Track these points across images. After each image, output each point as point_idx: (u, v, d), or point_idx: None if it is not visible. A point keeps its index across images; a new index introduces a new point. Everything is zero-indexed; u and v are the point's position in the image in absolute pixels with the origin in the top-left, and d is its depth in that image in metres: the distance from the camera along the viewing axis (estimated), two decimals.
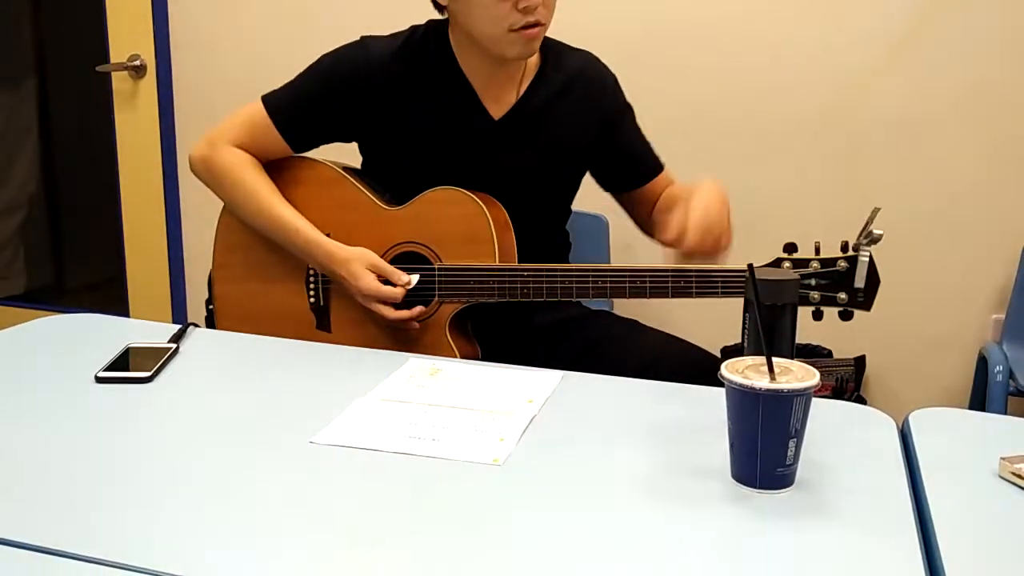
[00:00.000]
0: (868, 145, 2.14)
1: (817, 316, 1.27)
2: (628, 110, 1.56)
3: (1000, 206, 2.10)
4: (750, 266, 0.93)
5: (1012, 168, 2.08)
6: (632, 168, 1.56)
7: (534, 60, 1.48)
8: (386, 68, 1.42)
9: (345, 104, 1.44)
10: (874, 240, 1.19)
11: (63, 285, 3.20)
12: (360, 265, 1.37)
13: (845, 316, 1.26)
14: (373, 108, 1.43)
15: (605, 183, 1.59)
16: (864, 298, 1.23)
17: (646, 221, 1.57)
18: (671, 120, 2.21)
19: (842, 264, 1.22)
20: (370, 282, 1.36)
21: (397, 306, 1.37)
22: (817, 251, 1.23)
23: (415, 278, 1.38)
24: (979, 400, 2.03)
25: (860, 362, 2.17)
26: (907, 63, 2.09)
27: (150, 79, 2.60)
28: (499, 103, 1.46)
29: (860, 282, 1.22)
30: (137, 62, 2.59)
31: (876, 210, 1.17)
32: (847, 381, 2.13)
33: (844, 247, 1.24)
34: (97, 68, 2.60)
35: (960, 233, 2.13)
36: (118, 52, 2.61)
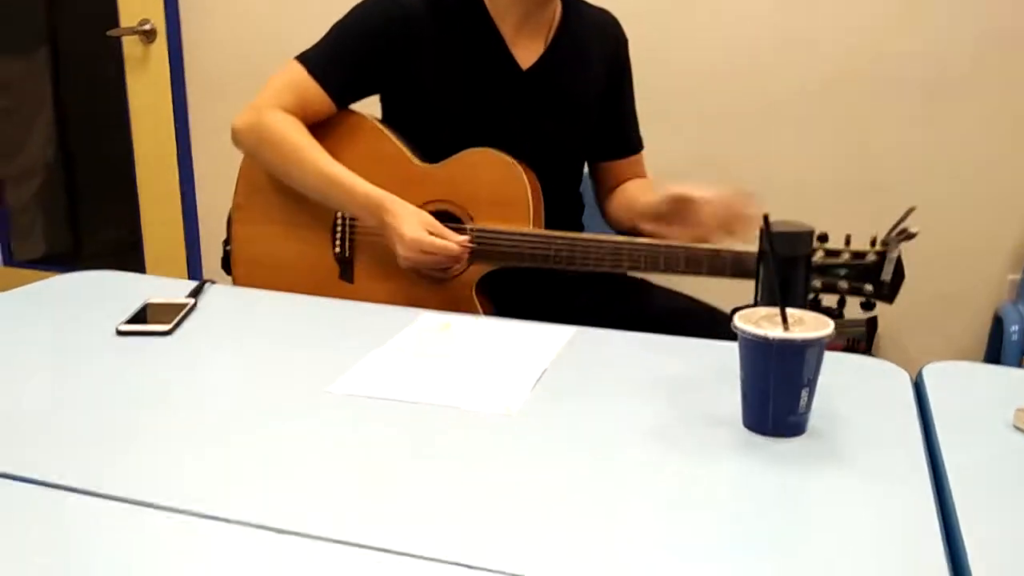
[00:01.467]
0: (880, 106, 2.12)
1: (841, 304, 1.27)
2: (630, 76, 1.55)
3: (1017, 166, 2.08)
4: (765, 217, 0.93)
5: None
6: (616, 137, 1.55)
7: (557, 13, 1.47)
8: (417, 16, 1.41)
9: (382, 54, 1.42)
10: (908, 237, 1.19)
11: (81, 249, 3.23)
12: (415, 222, 1.34)
13: (867, 307, 1.26)
14: (407, 57, 1.42)
15: (589, 147, 1.57)
16: (889, 292, 1.24)
17: (605, 200, 1.57)
18: (676, 84, 2.20)
19: (871, 258, 1.23)
20: (420, 237, 1.32)
21: None
22: (847, 242, 1.23)
23: (464, 242, 1.35)
24: (993, 360, 2.02)
25: (872, 323, 2.16)
26: (919, 23, 2.07)
27: (160, 43, 2.60)
28: (527, 53, 1.45)
29: (887, 276, 1.22)
30: (147, 26, 2.58)
31: (911, 209, 1.17)
32: (858, 341, 2.12)
33: (874, 241, 1.24)
34: (108, 33, 2.60)
35: (976, 193, 2.11)
36: (128, 17, 2.61)
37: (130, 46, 2.64)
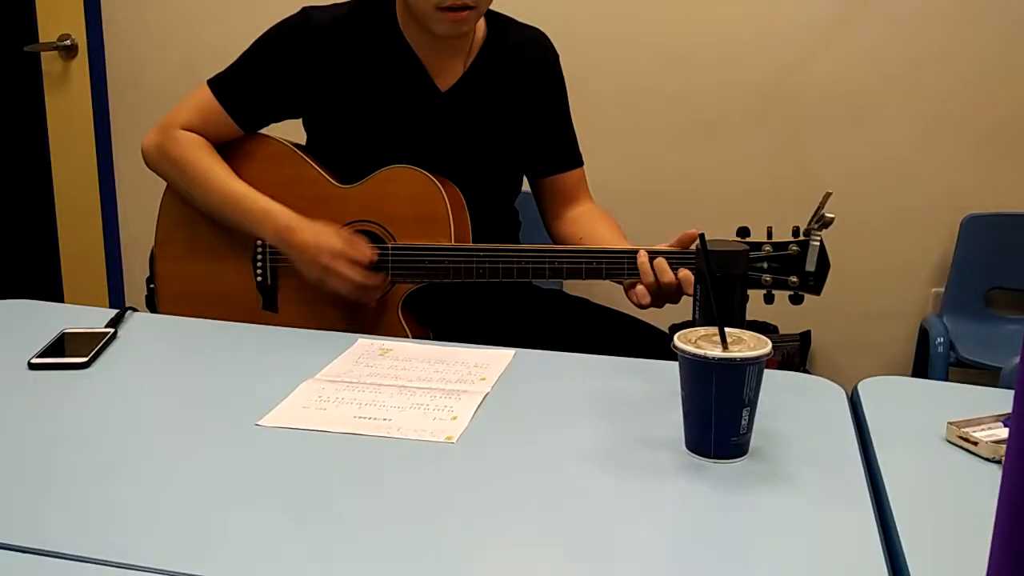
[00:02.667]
0: (808, 123, 2.17)
1: (768, 299, 1.27)
2: (563, 92, 1.55)
3: (938, 181, 2.14)
4: (701, 236, 0.93)
5: (949, 144, 2.13)
6: (554, 152, 1.54)
7: (481, 33, 1.46)
8: (330, 37, 1.39)
9: (290, 77, 1.40)
10: (825, 224, 1.20)
11: None
12: (328, 232, 1.33)
13: (795, 300, 1.27)
14: (318, 79, 1.40)
15: (525, 163, 1.57)
16: (814, 282, 1.24)
17: (551, 217, 1.56)
18: (612, 99, 2.21)
19: (793, 248, 1.23)
20: (337, 242, 1.32)
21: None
22: (769, 235, 1.24)
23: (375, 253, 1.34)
24: (921, 371, 2.07)
25: (805, 337, 2.20)
26: (846, 41, 2.12)
27: (82, 60, 2.51)
28: (446, 75, 1.43)
29: (811, 266, 1.23)
30: (68, 42, 2.50)
31: (828, 195, 1.18)
32: (793, 356, 2.16)
33: (795, 231, 1.24)
34: (25, 48, 2.50)
35: (900, 209, 2.17)
36: (47, 31, 2.52)
37: (49, 62, 2.54)
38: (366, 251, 1.33)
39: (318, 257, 1.33)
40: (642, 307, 1.29)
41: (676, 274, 1.24)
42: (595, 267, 1.31)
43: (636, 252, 1.28)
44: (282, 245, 1.36)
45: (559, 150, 1.55)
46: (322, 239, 1.33)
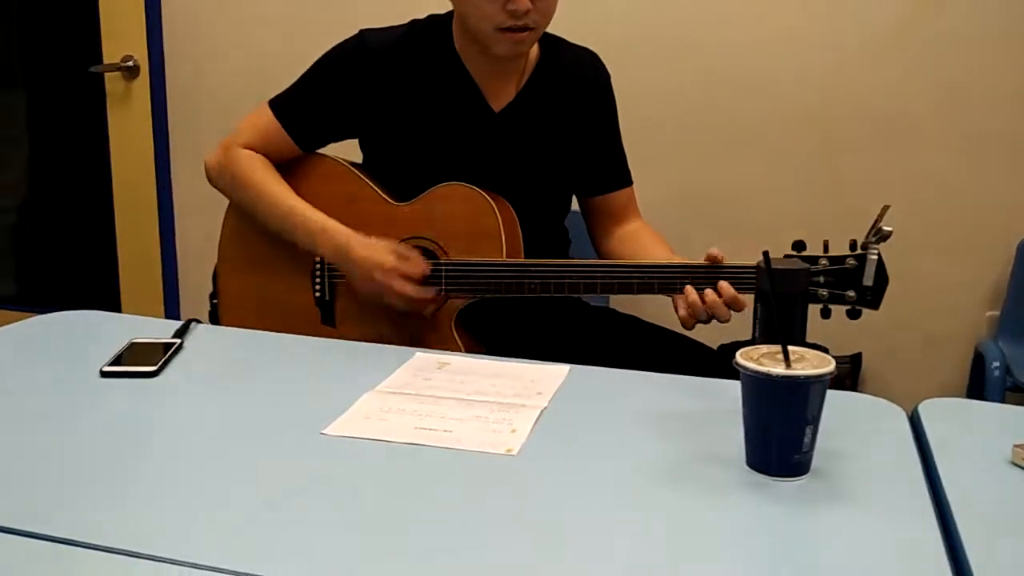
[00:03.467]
0: (857, 143, 2.15)
1: (825, 314, 1.27)
2: (614, 112, 1.56)
3: (993, 203, 2.11)
4: (765, 253, 0.93)
5: (1004, 164, 2.10)
6: (604, 172, 1.55)
7: (534, 54, 1.48)
8: (386, 59, 1.42)
9: (348, 98, 1.44)
10: (883, 237, 1.19)
11: (56, 287, 3.17)
12: (382, 247, 1.36)
13: (853, 315, 1.26)
14: (375, 100, 1.43)
15: (574, 182, 1.58)
16: (872, 297, 1.24)
17: (600, 236, 1.57)
18: (656, 118, 2.22)
19: (851, 262, 1.23)
20: (391, 257, 1.34)
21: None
22: (826, 249, 1.23)
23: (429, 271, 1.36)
24: (976, 396, 2.04)
25: (856, 359, 2.18)
26: (895, 59, 2.11)
27: (143, 80, 2.58)
28: (500, 96, 1.46)
29: (869, 280, 1.22)
30: (130, 63, 2.57)
31: (886, 208, 1.17)
32: (844, 378, 2.13)
33: (852, 245, 1.24)
34: (90, 69, 2.58)
35: (954, 230, 2.14)
36: (111, 52, 2.60)
37: (112, 82, 2.62)
38: (419, 265, 1.35)
39: (372, 272, 1.35)
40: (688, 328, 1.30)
41: (715, 294, 1.25)
42: (647, 282, 1.31)
43: (688, 267, 1.28)
44: (339, 260, 1.39)
45: (609, 169, 1.56)
46: (376, 255, 1.35)
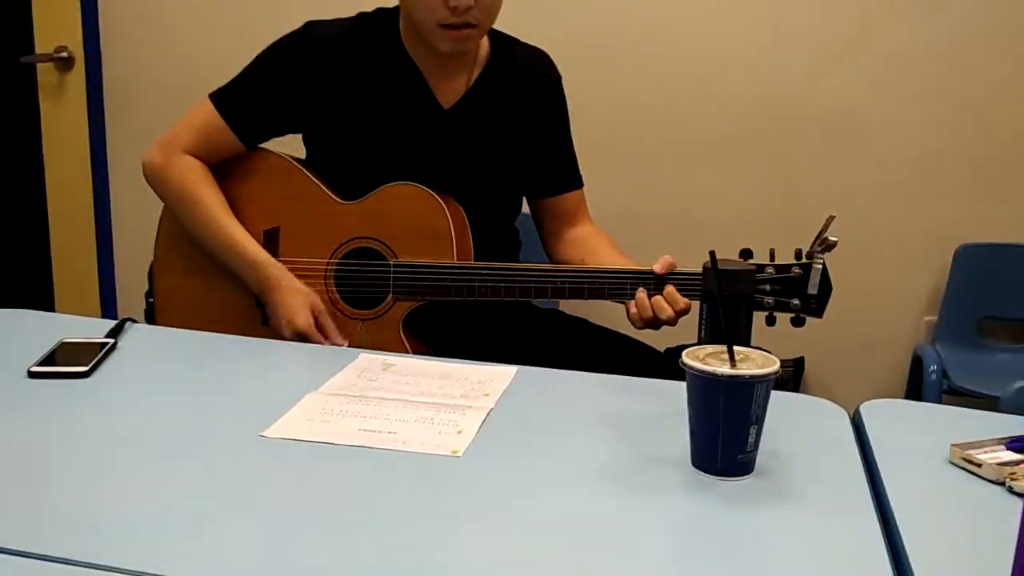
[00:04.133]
0: (805, 148, 2.19)
1: (770, 321, 1.28)
2: (565, 114, 1.55)
3: (931, 210, 2.17)
4: (712, 253, 0.93)
5: (942, 172, 2.15)
6: (554, 173, 1.54)
7: (484, 52, 1.47)
8: (333, 51, 1.40)
9: (293, 91, 1.41)
10: (828, 247, 1.21)
11: None
12: (302, 302, 1.34)
13: (797, 323, 1.28)
14: (321, 94, 1.40)
15: (524, 183, 1.58)
16: (816, 305, 1.25)
17: (550, 239, 1.56)
18: (609, 123, 2.23)
19: (796, 271, 1.24)
20: (303, 322, 1.33)
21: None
22: (772, 257, 1.25)
23: (345, 344, 1.34)
24: (914, 399, 2.08)
25: (799, 363, 2.21)
26: (841, 69, 2.15)
27: (78, 72, 2.51)
28: (448, 93, 1.44)
29: (813, 289, 1.24)
30: (64, 53, 2.49)
31: (831, 218, 1.19)
32: (786, 382, 2.17)
33: (798, 254, 1.25)
34: (21, 59, 2.50)
35: (894, 238, 2.19)
36: (44, 43, 2.52)
37: (45, 74, 2.54)
38: (332, 339, 1.33)
39: (285, 325, 1.34)
40: (638, 328, 1.30)
41: (663, 300, 1.26)
42: (597, 287, 1.31)
43: (639, 273, 1.28)
44: (261, 295, 1.38)
45: (559, 171, 1.55)
46: (296, 310, 1.33)
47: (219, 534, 0.74)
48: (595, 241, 1.52)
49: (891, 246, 2.19)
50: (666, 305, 1.26)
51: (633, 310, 1.29)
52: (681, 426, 0.90)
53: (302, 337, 1.32)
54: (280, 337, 1.33)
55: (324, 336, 1.34)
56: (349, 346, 1.32)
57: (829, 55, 2.14)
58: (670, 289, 1.26)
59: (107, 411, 0.99)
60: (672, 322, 1.27)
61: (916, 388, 2.06)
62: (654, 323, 1.29)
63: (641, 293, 1.28)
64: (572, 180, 1.56)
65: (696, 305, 1.16)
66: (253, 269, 1.37)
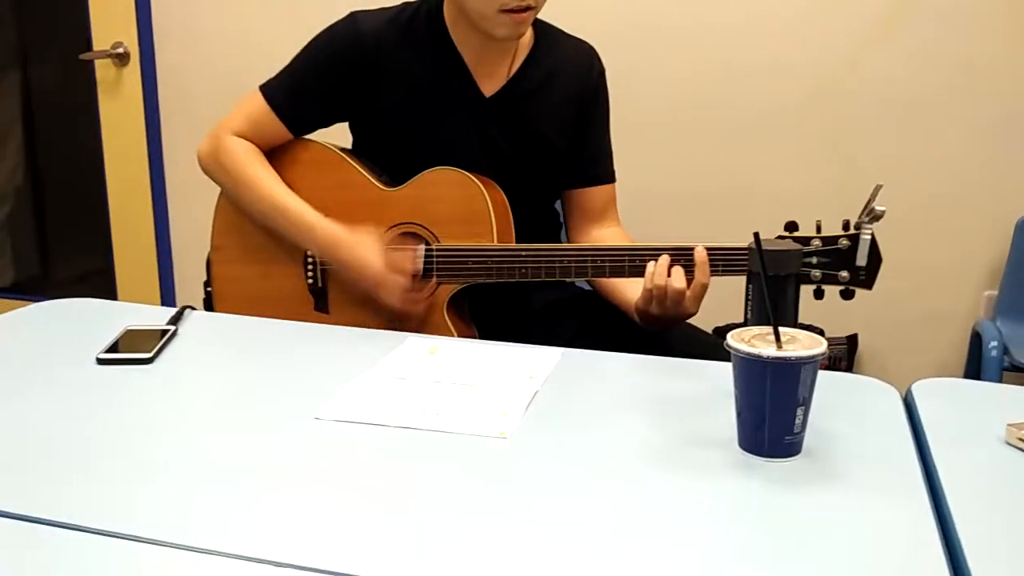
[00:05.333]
0: (858, 124, 2.15)
1: (818, 295, 1.26)
2: (604, 107, 1.54)
3: (992, 183, 2.11)
4: (756, 235, 0.93)
5: (1003, 144, 2.09)
6: (586, 164, 1.53)
7: (527, 40, 1.47)
8: (378, 41, 1.41)
9: (340, 81, 1.43)
10: (876, 217, 1.19)
11: (50, 276, 3.17)
12: (372, 248, 1.36)
13: (847, 295, 1.26)
14: (366, 83, 1.42)
15: (560, 172, 1.57)
16: (866, 276, 1.23)
17: (576, 233, 1.55)
18: (659, 103, 2.21)
19: (844, 242, 1.22)
20: (378, 262, 1.34)
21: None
22: (819, 229, 1.23)
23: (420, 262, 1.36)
24: (973, 377, 2.04)
25: (852, 341, 2.18)
26: (897, 40, 2.10)
27: (134, 66, 2.57)
28: (491, 80, 1.45)
29: (862, 260, 1.21)
30: (120, 49, 2.56)
31: (878, 187, 1.17)
32: (840, 360, 2.14)
33: (846, 225, 1.23)
34: (80, 56, 2.57)
35: (952, 210, 2.14)
36: (101, 40, 2.58)
37: (103, 69, 2.61)
38: (407, 266, 1.35)
39: (360, 280, 1.36)
40: (640, 311, 1.29)
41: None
42: (638, 264, 1.30)
43: (679, 249, 1.27)
44: (329, 259, 1.40)
45: (590, 164, 1.54)
46: (364, 258, 1.35)
47: (275, 513, 0.77)
48: (618, 240, 1.50)
49: (948, 218, 2.14)
50: (683, 277, 1.24)
51: (649, 269, 1.26)
52: (728, 408, 0.90)
53: (381, 278, 1.34)
54: (357, 291, 1.36)
55: (401, 270, 1.35)
56: (390, 328, 1.33)
57: (877, 25, 2.09)
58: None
59: (168, 395, 1.03)
60: (680, 298, 1.24)
61: (976, 366, 2.01)
62: (661, 292, 1.25)
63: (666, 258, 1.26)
64: (602, 175, 1.54)
65: (735, 284, 1.15)
66: (312, 233, 1.39)
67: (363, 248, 1.36)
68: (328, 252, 1.39)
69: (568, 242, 1.57)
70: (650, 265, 1.26)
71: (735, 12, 2.16)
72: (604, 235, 1.52)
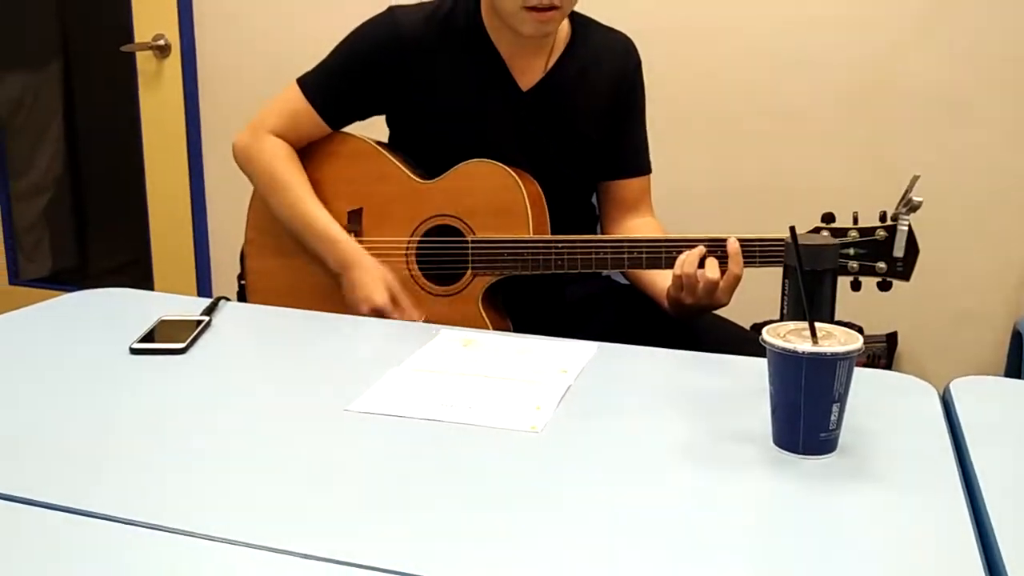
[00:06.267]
0: (897, 120, 2.12)
1: (855, 286, 1.25)
2: (640, 99, 1.53)
3: None
4: (792, 228, 0.92)
5: None
6: (620, 156, 1.53)
7: (564, 34, 1.47)
8: (415, 36, 1.42)
9: (378, 76, 1.44)
10: (914, 208, 1.17)
11: (88, 267, 3.22)
12: (379, 278, 1.37)
13: (884, 286, 1.24)
14: (403, 78, 1.43)
15: (596, 163, 1.56)
16: (903, 267, 1.21)
17: (610, 224, 1.54)
18: (693, 94, 2.19)
19: (881, 233, 1.20)
20: (381, 298, 1.36)
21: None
22: (855, 220, 1.21)
23: (421, 320, 1.37)
24: (1013, 376, 2.00)
25: (892, 338, 2.15)
26: (937, 36, 2.06)
27: (174, 59, 2.60)
28: (528, 74, 1.44)
29: (899, 251, 1.20)
30: (161, 42, 2.59)
31: (916, 178, 1.15)
32: (879, 357, 2.11)
33: (883, 216, 1.22)
34: (121, 48, 2.61)
35: (992, 208, 2.10)
36: (142, 32, 2.62)
37: (144, 61, 2.64)
38: (407, 316, 1.36)
39: (358, 305, 1.37)
40: (671, 300, 1.28)
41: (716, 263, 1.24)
42: (675, 256, 1.30)
43: (715, 240, 1.26)
44: (340, 273, 1.41)
45: (625, 156, 1.53)
46: (373, 287, 1.37)
47: (304, 505, 0.77)
48: (652, 231, 1.49)
49: (989, 217, 2.10)
50: (717, 267, 1.24)
51: (681, 258, 1.26)
52: (762, 403, 0.89)
53: (379, 313, 1.35)
54: (356, 314, 1.37)
55: (400, 312, 1.36)
56: (425, 322, 1.35)
57: (921, 19, 2.06)
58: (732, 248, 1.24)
59: (201, 385, 1.04)
60: (713, 288, 1.24)
61: (1016, 365, 1.97)
62: (692, 281, 1.25)
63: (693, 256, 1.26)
64: (637, 166, 1.54)
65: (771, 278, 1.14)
66: (333, 248, 1.41)
67: (372, 277, 1.37)
68: (342, 268, 1.40)
69: (602, 233, 1.57)
70: (682, 255, 1.26)
71: (775, 6, 2.13)
72: (638, 225, 1.52)
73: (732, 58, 2.18)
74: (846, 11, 2.10)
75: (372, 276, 1.37)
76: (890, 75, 2.10)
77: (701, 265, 1.25)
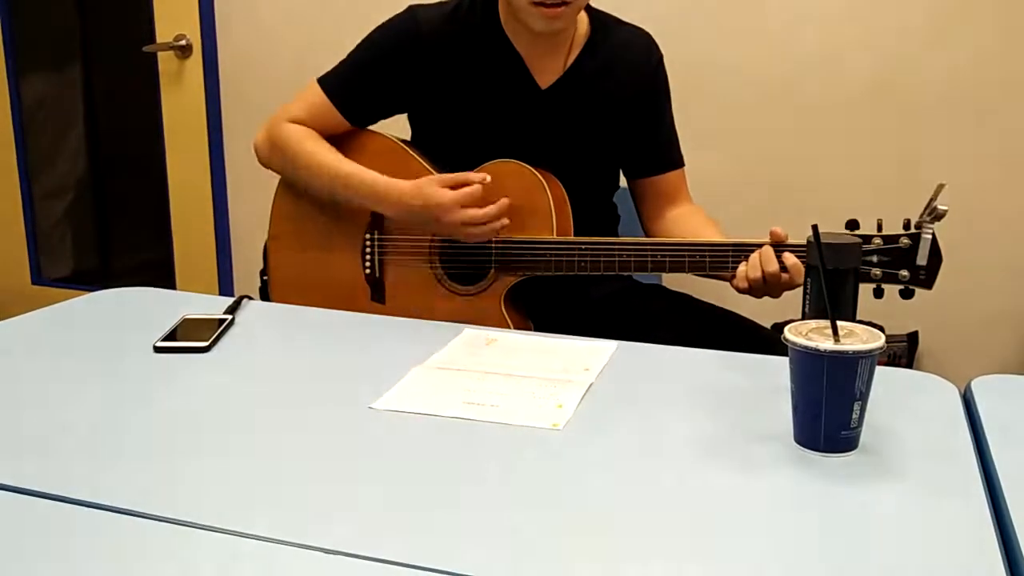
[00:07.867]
0: (919, 118, 2.10)
1: (878, 294, 1.25)
2: (665, 93, 1.53)
3: None
4: (814, 227, 0.92)
5: None
6: (652, 153, 1.53)
7: (583, 31, 1.47)
8: (435, 35, 1.43)
9: (398, 74, 1.44)
10: (938, 216, 1.17)
11: (110, 266, 3.25)
12: (431, 185, 1.35)
13: (906, 294, 1.24)
14: (424, 76, 1.44)
15: (622, 163, 1.57)
16: (926, 276, 1.21)
17: (649, 218, 1.54)
18: (717, 91, 2.19)
19: (904, 241, 1.20)
20: (448, 194, 1.33)
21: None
22: (879, 228, 1.21)
23: (487, 176, 1.34)
24: None
25: (913, 338, 2.14)
26: (961, 36, 2.05)
27: (196, 59, 2.62)
28: (546, 72, 1.45)
29: (923, 260, 1.20)
30: (183, 42, 2.61)
31: (941, 186, 1.15)
32: (900, 357, 2.10)
33: (907, 224, 1.22)
34: (143, 48, 2.63)
35: (1014, 206, 2.08)
36: (164, 32, 2.64)
37: (165, 61, 2.66)
38: (467, 181, 1.33)
39: (436, 213, 1.34)
40: (740, 291, 1.28)
41: (783, 263, 1.23)
42: (698, 260, 1.30)
43: (741, 246, 1.27)
44: (401, 214, 1.39)
45: (657, 152, 1.53)
46: (432, 196, 1.34)
47: (327, 502, 0.78)
48: (693, 218, 1.50)
49: (1012, 215, 2.08)
50: (773, 257, 1.23)
51: (741, 268, 1.26)
52: (784, 402, 0.89)
53: (456, 215, 1.33)
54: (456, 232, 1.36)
55: (471, 193, 1.34)
56: (447, 321, 1.34)
57: (945, 17, 2.04)
58: (791, 259, 1.24)
59: (224, 384, 1.05)
60: (777, 280, 1.24)
61: None
62: (760, 281, 1.25)
63: (754, 257, 1.26)
64: (671, 160, 1.54)
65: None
66: (385, 190, 1.38)
67: (425, 190, 1.35)
68: (396, 206, 1.38)
69: (642, 227, 1.57)
70: (740, 267, 1.27)
71: (795, 2, 2.13)
72: (681, 213, 1.52)
73: (758, 53, 2.17)
74: (871, 7, 2.08)
75: (424, 192, 1.35)
76: (914, 72, 2.09)
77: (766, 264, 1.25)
